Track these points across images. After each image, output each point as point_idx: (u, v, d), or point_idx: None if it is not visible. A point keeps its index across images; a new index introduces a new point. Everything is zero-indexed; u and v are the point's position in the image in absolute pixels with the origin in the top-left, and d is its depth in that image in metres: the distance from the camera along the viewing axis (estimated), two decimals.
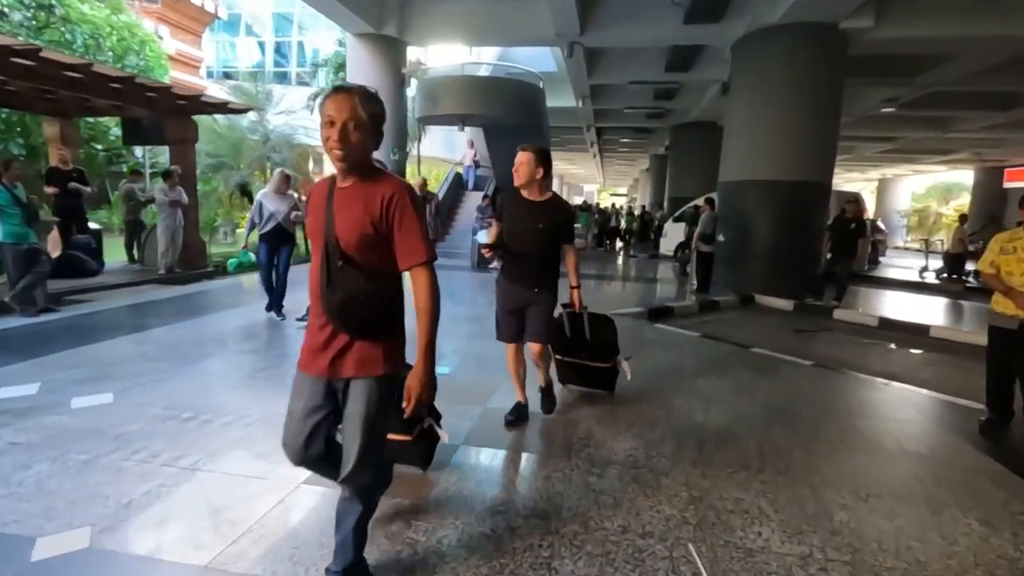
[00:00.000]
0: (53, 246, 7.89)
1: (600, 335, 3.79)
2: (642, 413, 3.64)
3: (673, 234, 14.47)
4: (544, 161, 3.10)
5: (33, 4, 11.44)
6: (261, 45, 26.39)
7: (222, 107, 8.56)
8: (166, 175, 8.60)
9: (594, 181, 52.25)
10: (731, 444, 3.21)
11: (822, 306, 8.19)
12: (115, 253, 9.41)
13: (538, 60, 14.62)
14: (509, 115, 11.74)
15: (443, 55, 16.37)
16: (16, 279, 5.66)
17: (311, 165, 18.28)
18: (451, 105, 11.80)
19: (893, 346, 6.43)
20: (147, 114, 8.73)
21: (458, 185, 16.17)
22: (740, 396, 4.10)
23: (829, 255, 8.36)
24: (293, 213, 5.81)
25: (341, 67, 14.16)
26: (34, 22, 11.89)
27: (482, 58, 15.59)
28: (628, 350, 5.44)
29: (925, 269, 13.45)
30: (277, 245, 5.85)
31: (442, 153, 23.81)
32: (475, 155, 16.19)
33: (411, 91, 13.15)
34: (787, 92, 8.65)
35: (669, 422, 3.51)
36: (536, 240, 3.13)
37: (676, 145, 19.05)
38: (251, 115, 12.17)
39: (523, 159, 3.06)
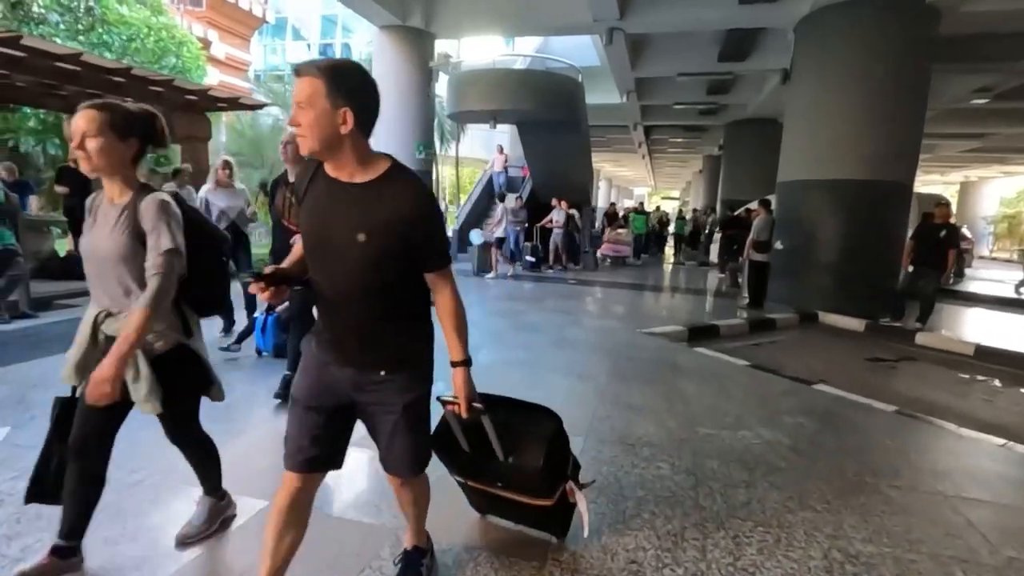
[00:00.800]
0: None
1: (526, 451, 1.92)
2: (657, 486, 2.69)
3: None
4: (351, 93, 1.42)
5: (71, 6, 11.50)
6: (309, 47, 26.61)
7: (233, 102, 8.14)
8: (175, 173, 8.23)
9: (644, 184, 50.55)
10: (787, 543, 2.23)
11: (902, 328, 6.90)
12: None
13: (579, 53, 13.68)
14: (544, 110, 10.87)
15: (476, 48, 15.69)
16: None
17: None
18: (481, 100, 11.05)
19: (999, 384, 5.16)
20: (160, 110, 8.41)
21: (489, 191, 15.36)
22: (798, 460, 3.08)
23: (911, 267, 7.04)
24: (249, 210, 5.16)
25: None
26: (78, 26, 12.01)
27: (520, 51, 14.79)
28: (655, 381, 4.47)
29: (1023, 284, 11.65)
30: (234, 249, 5.12)
31: (482, 154, 23.21)
32: (505, 160, 15.35)
33: (443, 88, 12.53)
34: (861, 78, 7.40)
35: (696, 499, 2.55)
36: (355, 263, 1.45)
37: (731, 144, 17.65)
38: (275, 114, 11.88)
39: (304, 87, 1.37)
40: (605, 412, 3.63)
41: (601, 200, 38.20)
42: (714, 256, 13.79)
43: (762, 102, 13.70)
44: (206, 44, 21.14)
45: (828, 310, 7.52)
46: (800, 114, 8.26)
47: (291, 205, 3.36)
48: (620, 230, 13.90)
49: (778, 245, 8.07)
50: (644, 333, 6.10)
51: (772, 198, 8.55)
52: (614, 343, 5.59)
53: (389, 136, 10.60)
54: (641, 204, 15.30)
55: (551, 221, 11.17)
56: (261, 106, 8.78)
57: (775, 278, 8.09)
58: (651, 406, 3.78)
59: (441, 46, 11.17)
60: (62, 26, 11.74)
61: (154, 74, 6.82)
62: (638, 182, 50.53)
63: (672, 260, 16.63)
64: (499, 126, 12.06)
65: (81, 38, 11.83)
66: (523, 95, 10.69)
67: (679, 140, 22.62)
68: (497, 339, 5.53)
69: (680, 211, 25.42)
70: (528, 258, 11.12)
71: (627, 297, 9.12)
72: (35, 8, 10.64)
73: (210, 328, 5.02)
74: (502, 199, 13.33)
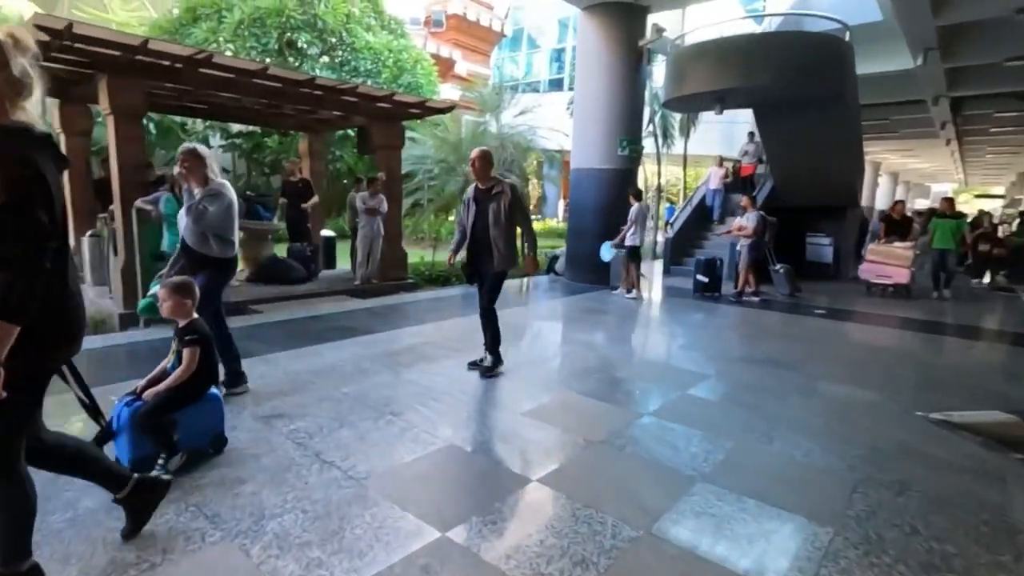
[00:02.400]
0: (244, 258, 8.29)
1: None
2: None
3: None
4: None
5: (329, 41, 13.06)
6: (551, 54, 26.94)
7: (420, 106, 7.88)
8: (369, 182, 8.35)
9: (948, 178, 39.34)
10: None
11: None
12: (344, 261, 9.75)
13: (848, 6, 10.39)
14: (790, 85, 8.29)
15: (703, 19, 13.26)
16: None
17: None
18: (702, 80, 8.98)
19: None
20: (362, 122, 8.65)
21: (701, 213, 12.62)
22: None
23: None
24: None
25: None
26: (335, 55, 13.66)
27: (768, 10, 11.96)
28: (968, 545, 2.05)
29: None
30: None
31: (722, 151, 20.18)
32: (725, 175, 12.40)
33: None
34: None
35: None
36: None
37: None
38: (482, 119, 11.69)
39: None
40: None
41: (879, 201, 30.77)
42: None
43: None
44: (450, 64, 22.96)
45: None
46: None
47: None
48: (898, 244, 9.31)
49: None
50: (930, 419, 3.64)
51: None
52: (870, 438, 3.35)
53: (589, 130, 9.35)
54: (949, 202, 9.18)
55: (739, 228, 8.35)
56: (450, 108, 8.40)
57: None
58: None
59: (656, 22, 9.42)
60: (325, 59, 13.41)
61: (341, 83, 6.85)
62: (938, 177, 39.55)
63: (989, 283, 11.64)
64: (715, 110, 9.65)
65: (332, 65, 13.44)
66: (759, 67, 8.29)
67: (1009, 115, 16.20)
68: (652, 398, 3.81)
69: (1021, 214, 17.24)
70: (700, 277, 8.57)
71: (890, 340, 6.19)
72: (300, 43, 12.33)
73: None
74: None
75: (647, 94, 10.38)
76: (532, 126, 12.13)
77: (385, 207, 8.21)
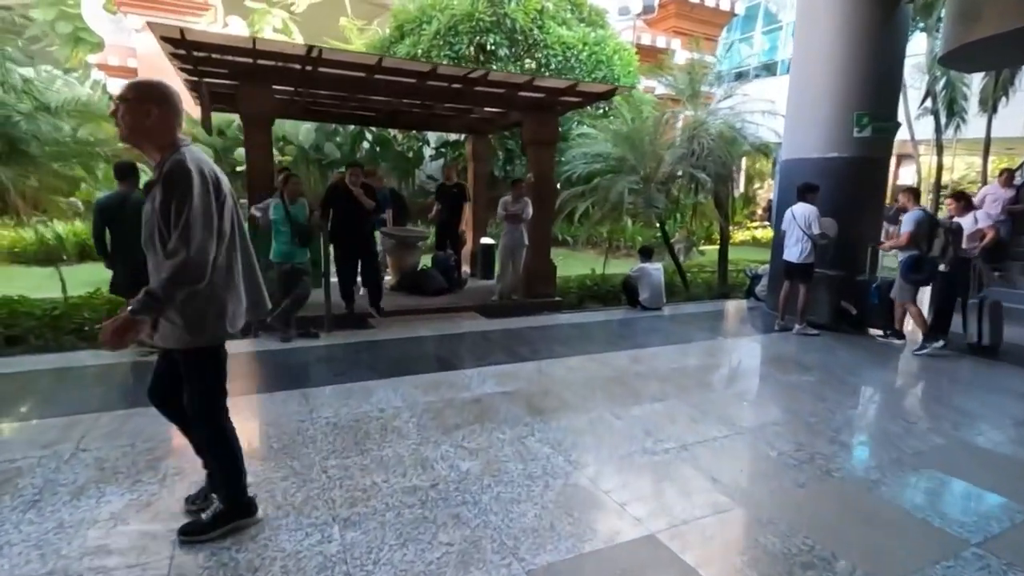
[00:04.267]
0: (393, 263, 7.87)
1: None
2: None
3: None
4: None
5: (517, 39, 12.51)
6: (791, 29, 22.75)
7: (572, 91, 6.46)
8: (513, 184, 7.30)
9: None
10: None
11: None
12: None
13: None
14: None
15: None
16: (279, 300, 5.37)
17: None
18: (1013, 11, 5.70)
19: None
20: (519, 117, 7.65)
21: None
22: None
23: None
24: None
25: None
26: (523, 53, 13.05)
27: None
28: None
29: None
30: None
31: None
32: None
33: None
34: None
35: None
36: None
37: None
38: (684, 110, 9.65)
39: None
40: None
41: None
42: None
43: None
44: (665, 54, 20.76)
45: None
46: None
47: None
48: None
49: None
50: None
51: None
52: None
53: (807, 105, 6.80)
54: None
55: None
56: (610, 92, 6.80)
57: None
58: None
59: None
60: (511, 58, 12.88)
61: (466, 70, 5.90)
62: None
63: None
64: None
65: (527, 63, 12.82)
66: None
67: None
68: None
69: None
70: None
71: None
72: (489, 46, 11.99)
73: None
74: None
75: (918, 50, 7.20)
76: (741, 112, 9.68)
77: (530, 212, 7.07)
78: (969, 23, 6.30)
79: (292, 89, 6.66)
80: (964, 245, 5.53)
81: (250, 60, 5.37)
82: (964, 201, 5.73)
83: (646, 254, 7.47)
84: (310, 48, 5.22)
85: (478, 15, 12.00)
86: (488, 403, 3.74)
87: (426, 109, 7.83)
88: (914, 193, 5.92)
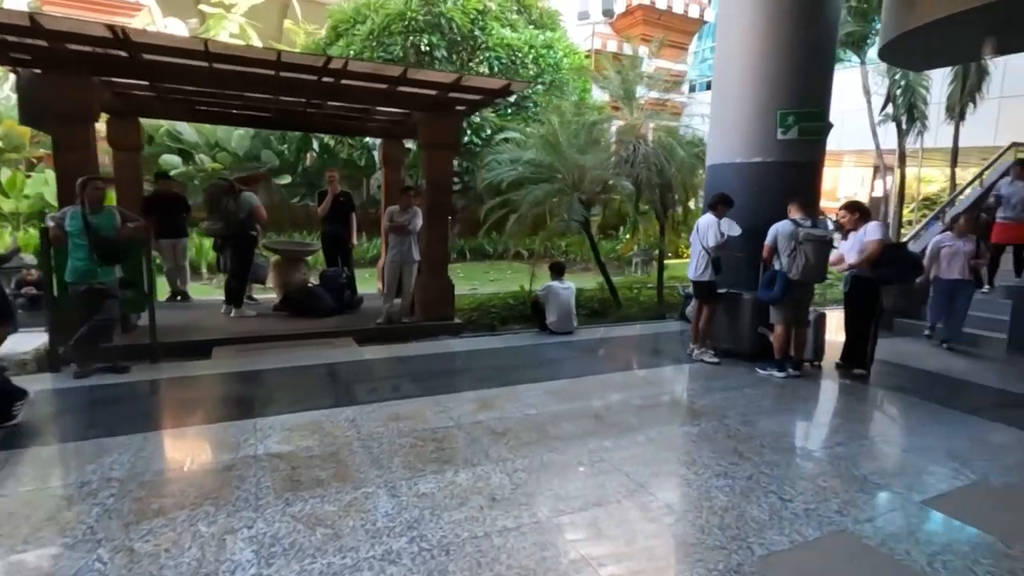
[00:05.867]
0: (276, 280, 7.02)
1: None
2: None
3: None
4: None
5: (455, 39, 11.76)
6: None
7: (456, 86, 5.63)
8: (402, 192, 6.45)
9: None
10: None
11: None
12: None
13: None
14: None
15: None
16: (77, 327, 4.48)
17: None
18: None
19: None
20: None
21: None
22: None
23: None
24: None
25: None
26: (461, 55, 12.26)
27: None
28: None
29: None
30: None
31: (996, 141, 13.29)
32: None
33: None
34: None
35: None
36: None
37: None
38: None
39: None
40: None
41: None
42: None
43: None
44: (619, 59, 20.12)
45: None
46: None
47: None
48: None
49: None
50: None
51: None
52: None
53: (731, 106, 5.99)
54: None
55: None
56: (504, 89, 5.95)
57: None
58: None
59: None
60: (449, 60, 12.10)
61: (316, 59, 5.06)
62: None
63: None
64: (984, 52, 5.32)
65: (472, 66, 12.05)
66: None
67: None
68: None
69: None
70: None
71: None
72: (423, 46, 11.23)
73: None
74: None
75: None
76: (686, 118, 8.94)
77: (418, 223, 6.22)
78: (906, 10, 5.56)
79: (145, 83, 5.88)
80: (853, 261, 4.80)
81: (45, 43, 4.53)
82: (859, 213, 4.94)
83: (556, 271, 6.62)
84: (113, 29, 4.39)
85: (411, 14, 11.25)
86: (241, 473, 2.85)
87: (318, 108, 7.00)
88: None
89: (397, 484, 2.77)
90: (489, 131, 11.42)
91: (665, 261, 12.64)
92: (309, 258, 7.84)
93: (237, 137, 13.56)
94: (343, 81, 5.54)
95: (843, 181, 26.79)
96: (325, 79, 5.58)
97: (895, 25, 5.73)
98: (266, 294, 7.63)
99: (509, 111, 12.24)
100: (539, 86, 12.06)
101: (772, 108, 5.62)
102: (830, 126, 5.90)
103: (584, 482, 2.86)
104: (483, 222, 8.73)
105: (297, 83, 5.63)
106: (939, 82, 11.83)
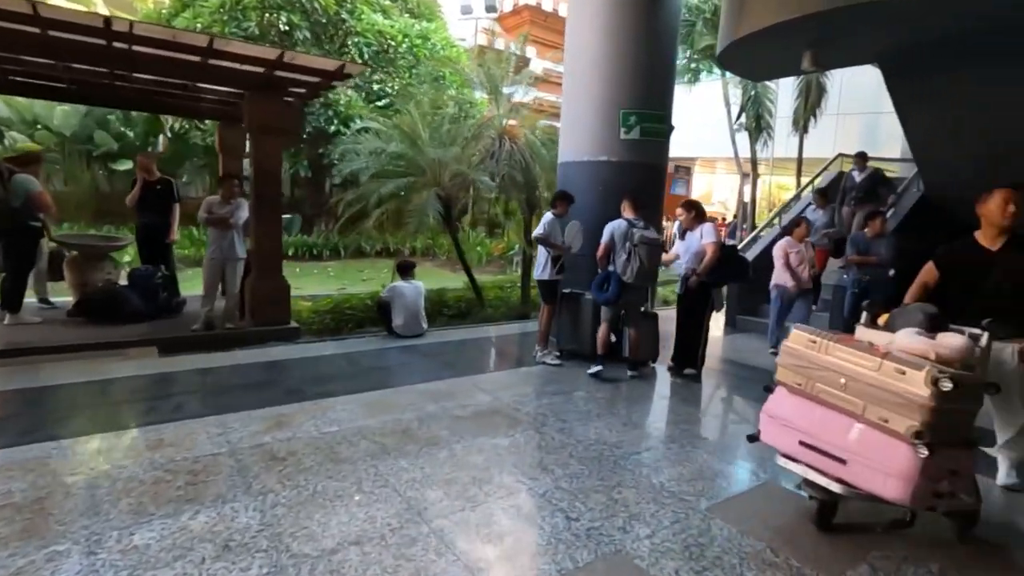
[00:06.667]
0: (72, 280, 6.06)
1: None
2: None
3: None
4: None
5: (321, 21, 10.93)
6: None
7: (279, 64, 5.05)
8: (222, 180, 5.74)
9: None
10: None
11: None
12: None
13: None
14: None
15: None
16: None
17: None
18: (775, 5, 5.17)
19: None
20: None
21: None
22: None
23: None
24: None
25: None
26: (325, 39, 11.44)
27: None
28: None
29: None
30: None
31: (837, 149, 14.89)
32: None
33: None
34: None
35: None
36: None
37: None
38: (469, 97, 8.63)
39: None
40: None
41: None
42: None
43: None
44: (524, 62, 20.20)
45: None
46: None
47: None
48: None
49: None
50: None
51: None
52: None
53: (580, 105, 5.91)
54: None
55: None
56: (338, 71, 5.43)
57: None
58: None
59: None
60: (313, 43, 11.24)
61: (93, 19, 4.28)
62: None
63: None
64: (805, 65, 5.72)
65: (344, 52, 11.27)
66: None
67: None
68: None
69: None
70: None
71: None
72: (281, 25, 10.30)
73: None
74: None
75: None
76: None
77: (243, 216, 5.53)
78: (736, 20, 5.76)
79: None
80: (690, 265, 4.88)
81: None
82: (695, 212, 5.04)
83: (404, 271, 6.21)
84: None
85: None
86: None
87: (125, 81, 6.03)
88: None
89: (105, 537, 2.21)
90: (359, 121, 10.74)
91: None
92: (118, 255, 6.79)
93: (61, 114, 11.73)
94: (136, 48, 4.74)
95: (717, 187, 28.88)
96: (117, 44, 4.76)
97: (728, 33, 5.95)
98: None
99: (383, 102, 11.63)
100: (412, 78, 11.56)
101: (617, 108, 5.60)
102: (672, 128, 6.01)
103: (352, 514, 2.47)
104: (339, 217, 8.11)
105: (79, 46, 4.73)
106: (787, 97, 12.91)
